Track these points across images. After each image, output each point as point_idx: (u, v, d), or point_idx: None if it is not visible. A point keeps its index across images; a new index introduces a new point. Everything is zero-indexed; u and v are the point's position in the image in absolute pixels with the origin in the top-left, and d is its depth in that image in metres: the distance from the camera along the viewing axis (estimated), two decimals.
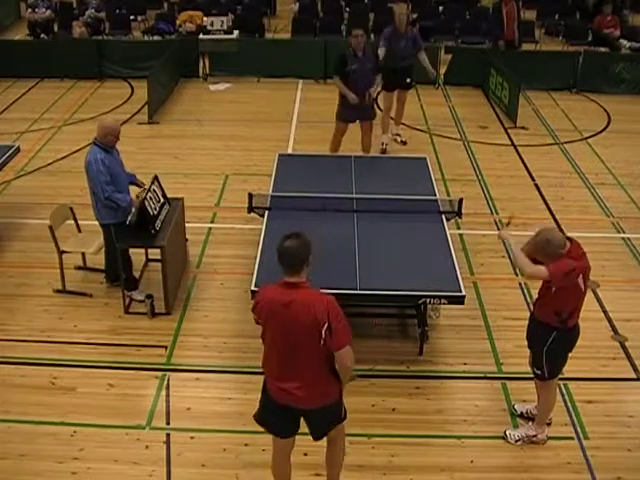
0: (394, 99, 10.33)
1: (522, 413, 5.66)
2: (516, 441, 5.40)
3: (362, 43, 8.76)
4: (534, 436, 5.39)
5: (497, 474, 5.17)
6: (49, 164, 9.93)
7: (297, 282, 4.13)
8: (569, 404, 5.80)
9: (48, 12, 15.33)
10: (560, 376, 6.05)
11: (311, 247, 4.15)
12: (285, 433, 4.55)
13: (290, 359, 4.21)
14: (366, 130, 9.22)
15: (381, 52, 9.76)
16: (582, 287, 4.94)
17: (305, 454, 5.12)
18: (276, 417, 4.47)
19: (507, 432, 5.46)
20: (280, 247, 4.13)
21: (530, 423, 5.46)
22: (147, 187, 6.71)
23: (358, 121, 9.15)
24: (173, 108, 12.23)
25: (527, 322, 5.33)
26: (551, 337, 5.05)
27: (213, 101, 12.62)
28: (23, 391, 5.85)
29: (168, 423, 5.55)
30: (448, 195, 8.68)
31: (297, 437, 4.61)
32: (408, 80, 10.17)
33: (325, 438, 4.62)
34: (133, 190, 6.79)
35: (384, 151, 10.11)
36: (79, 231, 7.37)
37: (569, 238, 4.99)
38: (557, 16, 16.44)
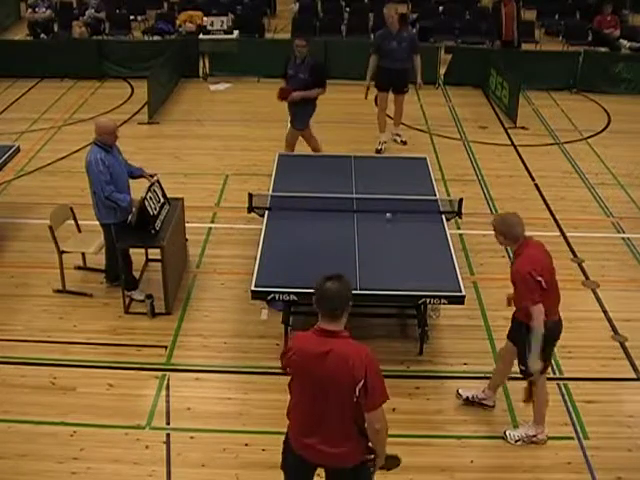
0: (389, 99, 10.27)
1: (467, 398, 5.72)
2: (516, 441, 5.41)
3: (304, 53, 8.65)
4: (534, 436, 5.40)
5: (497, 474, 5.18)
6: (49, 164, 9.93)
7: (335, 330, 3.73)
8: (569, 404, 5.80)
9: (48, 12, 15.33)
10: (560, 376, 6.10)
11: (352, 290, 3.80)
12: None
13: (318, 414, 3.84)
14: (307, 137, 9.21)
15: (372, 60, 9.84)
16: (545, 285, 4.89)
17: None
18: (296, 470, 4.16)
19: (507, 432, 5.46)
20: (320, 289, 3.72)
21: (530, 423, 5.46)
22: (147, 186, 6.72)
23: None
24: (173, 108, 12.23)
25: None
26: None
27: (213, 101, 12.63)
28: (23, 391, 5.84)
29: (168, 423, 5.55)
30: (448, 195, 8.68)
31: None
32: (405, 89, 10.14)
33: None
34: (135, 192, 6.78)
35: (379, 151, 10.08)
36: (79, 231, 7.37)
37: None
38: (557, 16, 16.45)
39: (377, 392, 3.71)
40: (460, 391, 5.80)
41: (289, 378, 4.02)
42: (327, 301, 3.70)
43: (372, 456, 3.94)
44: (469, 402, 5.73)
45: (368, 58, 10.01)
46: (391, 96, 10.27)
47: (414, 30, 15.63)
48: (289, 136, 9.11)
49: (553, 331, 5.09)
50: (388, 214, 6.83)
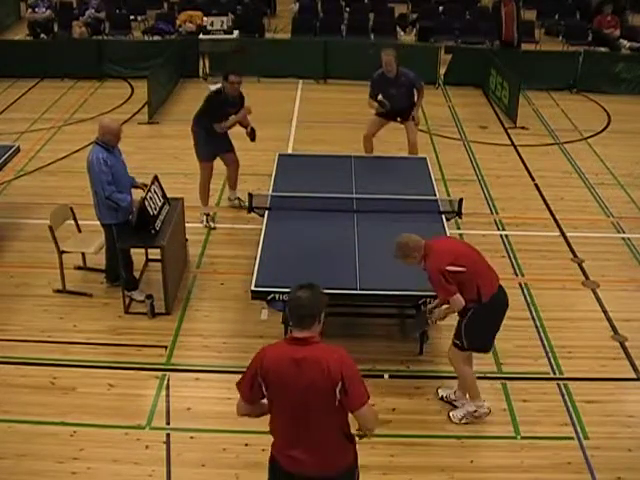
0: (380, 128, 9.35)
1: (442, 397, 5.80)
2: (460, 420, 5.53)
3: (238, 90, 8.08)
4: (475, 411, 5.52)
5: (497, 474, 5.17)
6: (49, 164, 9.93)
7: (306, 337, 3.70)
8: (569, 404, 5.80)
9: (48, 12, 15.34)
10: (560, 376, 6.10)
11: (326, 301, 3.79)
12: None
13: (301, 423, 3.77)
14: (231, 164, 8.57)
15: (374, 104, 8.95)
16: (463, 269, 5.15)
17: None
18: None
19: (450, 414, 5.59)
20: (291, 297, 3.75)
21: (467, 400, 5.60)
22: (147, 187, 6.71)
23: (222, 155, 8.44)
24: (173, 108, 12.23)
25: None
26: (468, 313, 5.28)
27: None
28: (23, 391, 5.84)
29: (168, 423, 5.55)
30: (448, 195, 8.68)
31: None
32: (411, 115, 9.09)
33: None
34: (136, 192, 6.78)
35: None
36: (79, 231, 7.37)
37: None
38: (557, 16, 16.46)
39: (357, 392, 3.70)
40: (439, 390, 5.87)
41: None
42: (298, 309, 3.69)
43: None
44: (443, 400, 5.80)
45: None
46: (401, 128, 9.41)
47: (414, 31, 15.71)
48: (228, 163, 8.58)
49: (498, 303, 5.33)
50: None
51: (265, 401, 3.89)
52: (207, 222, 8.31)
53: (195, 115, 8.14)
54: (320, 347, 3.73)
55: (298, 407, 3.74)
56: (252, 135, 8.36)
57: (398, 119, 9.28)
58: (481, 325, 5.34)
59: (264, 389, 3.78)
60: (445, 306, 5.48)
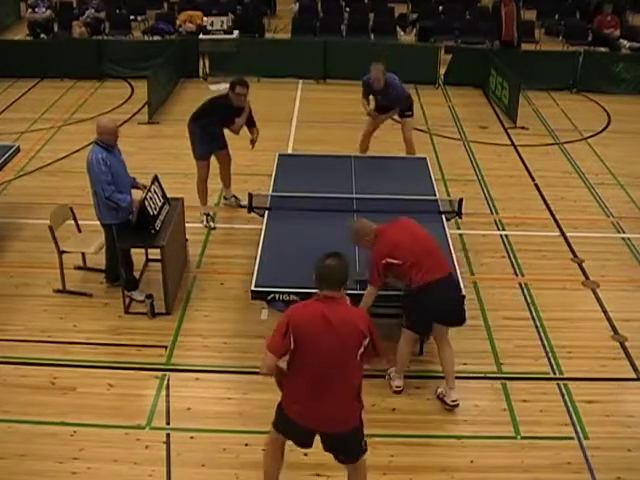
0: (380, 123, 9.49)
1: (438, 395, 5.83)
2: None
3: (244, 102, 7.99)
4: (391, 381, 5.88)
5: (497, 474, 5.17)
6: (49, 164, 9.93)
7: (336, 296, 4.16)
8: (569, 404, 5.80)
9: (48, 12, 15.34)
10: (560, 376, 6.10)
11: (349, 268, 4.30)
12: (310, 446, 4.50)
13: (324, 378, 4.13)
14: (224, 161, 8.57)
15: (367, 108, 9.20)
16: (399, 262, 5.48)
17: (305, 454, 5.11)
18: (299, 435, 4.42)
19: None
20: (322, 265, 4.18)
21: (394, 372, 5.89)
22: (147, 187, 6.71)
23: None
24: (173, 108, 12.23)
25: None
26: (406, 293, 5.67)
27: None
28: (23, 391, 5.84)
29: (168, 423, 5.55)
30: (448, 195, 8.68)
31: None
32: (407, 112, 9.26)
33: (347, 467, 4.57)
34: (136, 193, 6.78)
35: None
36: (79, 231, 7.37)
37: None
38: (557, 16, 16.46)
39: (380, 342, 4.23)
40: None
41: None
42: (330, 275, 4.14)
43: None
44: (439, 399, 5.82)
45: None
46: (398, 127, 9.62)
47: (414, 31, 15.70)
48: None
49: (429, 294, 5.49)
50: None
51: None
52: (207, 222, 8.31)
53: (194, 113, 8.13)
54: (348, 307, 4.29)
55: (326, 362, 4.10)
56: (253, 143, 8.35)
57: (395, 117, 9.47)
58: (411, 309, 5.67)
59: (292, 343, 4.09)
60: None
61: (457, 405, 5.66)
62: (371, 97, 9.25)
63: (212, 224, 8.31)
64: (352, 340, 4.11)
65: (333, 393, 4.15)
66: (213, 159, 8.40)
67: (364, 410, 5.54)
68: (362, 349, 4.12)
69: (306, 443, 4.48)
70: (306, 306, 4.21)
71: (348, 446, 4.40)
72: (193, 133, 8.12)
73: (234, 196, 8.72)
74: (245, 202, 7.60)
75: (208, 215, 8.36)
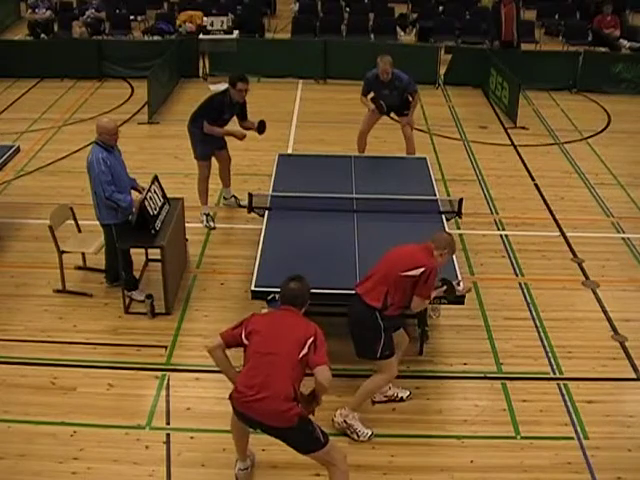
0: (375, 123, 9.46)
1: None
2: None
3: (244, 97, 8.05)
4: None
5: (497, 474, 5.17)
6: (49, 164, 9.93)
7: (295, 310, 4.60)
8: (569, 404, 5.80)
9: (48, 12, 15.33)
10: (560, 376, 6.12)
11: (309, 290, 4.68)
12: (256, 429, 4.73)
13: (265, 369, 4.38)
14: (223, 161, 8.55)
15: (370, 105, 9.06)
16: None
17: None
18: (246, 422, 4.64)
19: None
20: (284, 287, 4.61)
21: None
22: (147, 187, 6.71)
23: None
24: (173, 108, 12.23)
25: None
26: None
27: None
28: (23, 391, 5.84)
29: (168, 423, 5.55)
30: (448, 195, 8.68)
31: None
32: (405, 111, 9.18)
33: (322, 465, 4.68)
34: (134, 195, 6.78)
35: None
36: (79, 231, 7.37)
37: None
38: (557, 16, 16.46)
39: (322, 352, 4.42)
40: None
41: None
42: (290, 297, 4.59)
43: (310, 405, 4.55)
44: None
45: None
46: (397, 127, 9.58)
47: (414, 31, 15.70)
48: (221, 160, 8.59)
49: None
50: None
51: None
52: (207, 222, 8.31)
53: (192, 114, 8.13)
54: (303, 317, 4.61)
55: (268, 357, 4.39)
56: (260, 128, 8.31)
57: (392, 114, 9.43)
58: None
59: (244, 338, 4.53)
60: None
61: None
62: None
63: (212, 224, 8.31)
64: (296, 339, 4.40)
65: (268, 386, 4.35)
66: (213, 168, 8.39)
67: (364, 410, 5.58)
68: (306, 350, 4.37)
69: (252, 427, 4.69)
70: (265, 313, 4.84)
71: (291, 441, 4.54)
72: (193, 134, 8.13)
73: (234, 196, 8.73)
74: (245, 202, 7.60)
75: (208, 215, 8.36)
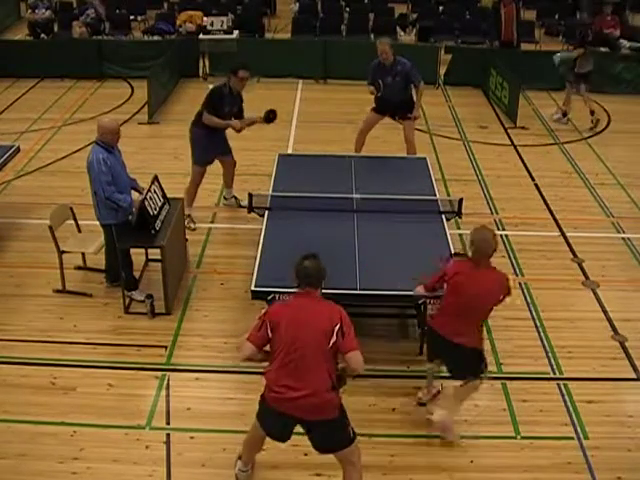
0: (376, 123, 9.47)
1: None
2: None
3: (244, 86, 8.02)
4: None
5: (497, 474, 5.17)
6: (49, 164, 9.93)
7: (313, 292, 4.47)
8: (569, 404, 5.80)
9: (48, 12, 15.32)
10: (560, 376, 6.12)
11: (325, 269, 4.55)
12: (282, 439, 4.66)
13: (297, 362, 4.32)
14: (229, 166, 8.52)
15: (371, 89, 9.06)
16: (446, 290, 5.24)
17: (305, 454, 5.12)
18: (276, 423, 4.54)
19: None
20: (299, 266, 4.48)
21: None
22: (147, 187, 6.71)
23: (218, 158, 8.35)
24: (173, 108, 12.23)
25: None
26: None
27: None
28: (23, 391, 5.84)
29: (168, 423, 5.56)
30: (448, 195, 8.68)
31: (297, 437, 4.63)
32: (409, 114, 9.15)
33: (341, 463, 4.65)
34: (134, 195, 6.78)
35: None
36: (79, 231, 7.37)
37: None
38: (557, 16, 16.45)
39: (351, 336, 4.34)
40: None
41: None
42: (306, 276, 4.46)
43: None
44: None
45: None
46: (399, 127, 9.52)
47: (414, 31, 15.69)
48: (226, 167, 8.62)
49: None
50: None
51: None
52: (187, 223, 8.08)
53: (196, 114, 8.09)
54: (323, 301, 4.49)
55: (299, 350, 4.31)
56: (269, 117, 8.21)
57: (396, 118, 9.39)
58: None
59: (269, 334, 4.39)
60: None
61: None
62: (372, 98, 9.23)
63: (193, 225, 8.24)
64: (323, 325, 4.32)
65: (307, 381, 4.31)
66: (213, 167, 8.36)
67: (364, 410, 5.58)
68: (334, 338, 4.29)
69: (283, 435, 4.60)
70: (284, 302, 4.66)
71: (328, 438, 4.51)
72: (194, 137, 8.08)
73: (234, 196, 8.72)
74: (245, 202, 7.59)
75: (189, 216, 8.24)
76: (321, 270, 4.51)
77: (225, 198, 8.81)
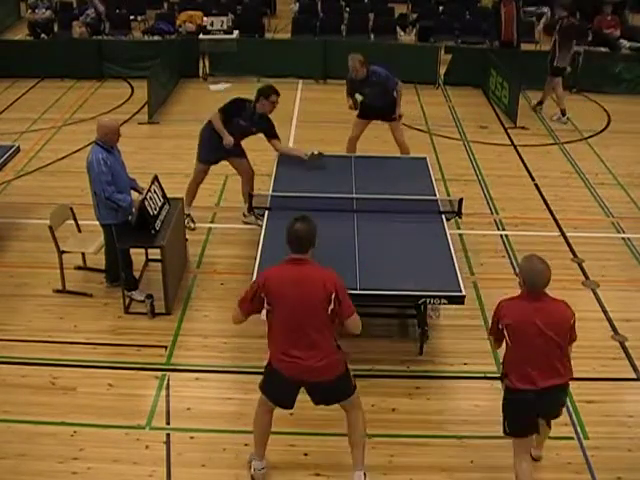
0: (364, 129, 9.39)
1: None
2: None
3: (271, 111, 7.98)
4: None
5: (497, 474, 5.17)
6: (49, 164, 9.93)
7: (304, 258, 4.48)
8: (569, 404, 5.79)
9: (48, 12, 15.33)
10: None
11: (316, 229, 4.56)
12: (290, 406, 4.79)
13: (300, 330, 4.46)
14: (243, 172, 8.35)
15: (350, 103, 8.97)
16: (509, 340, 4.68)
17: (305, 454, 5.13)
18: (284, 390, 4.69)
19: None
20: (290, 229, 4.48)
21: None
22: (147, 187, 6.71)
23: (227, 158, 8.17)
24: (173, 108, 12.23)
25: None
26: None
27: (213, 101, 12.57)
28: (23, 391, 5.84)
29: (168, 423, 5.55)
30: (448, 195, 8.68)
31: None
32: (392, 115, 9.07)
33: (345, 408, 4.82)
34: (134, 195, 6.78)
35: None
36: (79, 231, 7.37)
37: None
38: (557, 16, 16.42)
39: (347, 298, 4.48)
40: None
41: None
42: (297, 239, 4.46)
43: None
44: None
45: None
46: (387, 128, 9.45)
47: (414, 31, 15.69)
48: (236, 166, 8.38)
49: (517, 403, 4.70)
50: None
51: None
52: (187, 222, 8.08)
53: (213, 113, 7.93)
54: (315, 267, 4.51)
55: (298, 317, 4.42)
56: (313, 159, 8.03)
57: (380, 121, 9.31)
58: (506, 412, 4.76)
59: (265, 302, 4.49)
60: None
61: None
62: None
63: (193, 225, 8.24)
64: (319, 295, 4.39)
65: (311, 345, 4.45)
66: (218, 168, 8.33)
67: (364, 410, 5.57)
68: (332, 305, 4.40)
69: (288, 400, 4.73)
70: (276, 269, 4.55)
71: (336, 391, 4.69)
72: (203, 134, 8.02)
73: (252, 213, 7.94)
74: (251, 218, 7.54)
75: (189, 215, 8.26)
76: (312, 233, 4.52)
77: (244, 215, 8.34)
